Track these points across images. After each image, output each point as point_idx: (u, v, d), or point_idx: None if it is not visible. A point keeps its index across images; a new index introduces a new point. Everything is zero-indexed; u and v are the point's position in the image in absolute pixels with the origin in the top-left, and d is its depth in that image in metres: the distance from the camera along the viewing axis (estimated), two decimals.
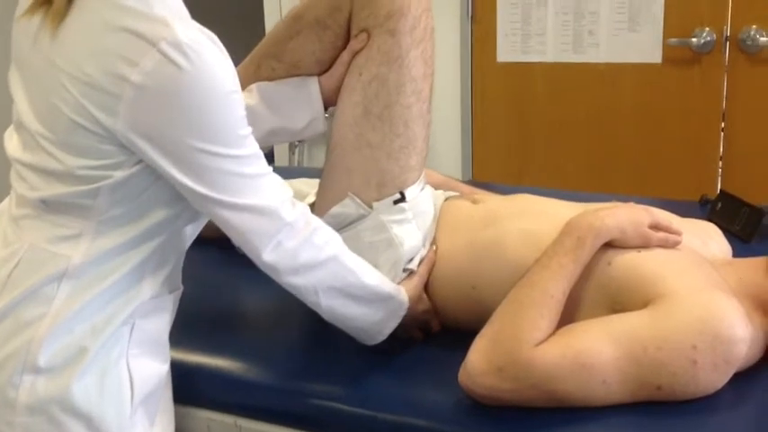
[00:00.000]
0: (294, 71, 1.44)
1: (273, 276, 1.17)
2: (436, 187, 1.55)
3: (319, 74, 1.44)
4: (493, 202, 1.47)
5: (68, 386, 1.06)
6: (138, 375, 1.12)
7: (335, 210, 1.37)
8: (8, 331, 1.07)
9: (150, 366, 1.15)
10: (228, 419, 1.32)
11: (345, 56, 1.40)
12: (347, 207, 1.37)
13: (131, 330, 1.12)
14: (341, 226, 1.34)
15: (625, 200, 1.40)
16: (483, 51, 2.89)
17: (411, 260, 1.38)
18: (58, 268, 1.07)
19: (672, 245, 1.26)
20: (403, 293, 1.30)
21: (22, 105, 1.11)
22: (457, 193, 1.58)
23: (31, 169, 1.10)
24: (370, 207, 1.37)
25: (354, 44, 1.38)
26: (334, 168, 1.41)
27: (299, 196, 1.45)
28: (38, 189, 1.09)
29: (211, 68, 1.01)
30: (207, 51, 1.01)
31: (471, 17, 2.89)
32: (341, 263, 1.20)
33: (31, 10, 1.08)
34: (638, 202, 1.34)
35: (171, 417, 1.23)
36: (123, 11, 1.01)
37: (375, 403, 1.24)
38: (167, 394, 1.22)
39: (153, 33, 0.99)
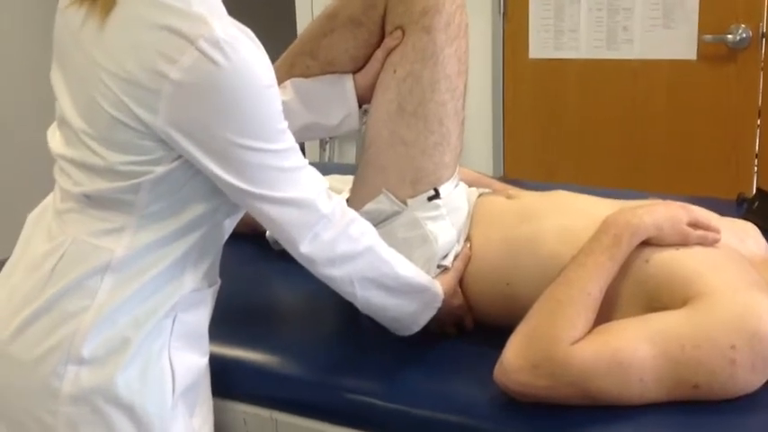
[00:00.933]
0: (328, 68, 1.44)
1: (310, 268, 1.18)
2: (469, 184, 1.55)
3: (354, 71, 1.44)
4: (528, 199, 1.47)
5: (112, 377, 1.08)
6: (180, 368, 1.13)
7: (370, 206, 1.38)
8: (53, 323, 1.09)
9: (191, 359, 1.16)
10: (264, 413, 1.33)
11: (380, 53, 1.41)
12: (381, 203, 1.38)
13: (173, 323, 1.13)
14: (375, 222, 1.34)
15: (661, 198, 1.39)
16: (515, 48, 2.88)
17: (446, 256, 1.38)
18: (102, 261, 1.09)
19: (710, 243, 1.25)
20: (437, 286, 1.30)
21: (64, 102, 1.13)
22: (490, 190, 1.57)
23: (74, 165, 1.12)
24: (405, 204, 1.37)
25: (389, 41, 1.39)
26: (368, 165, 1.42)
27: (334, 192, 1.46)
28: (81, 184, 1.11)
29: (248, 65, 1.03)
30: (244, 48, 1.02)
31: (503, 13, 2.88)
32: (376, 254, 1.21)
33: (78, 1, 1.09)
34: (673, 200, 1.33)
35: (210, 409, 1.24)
36: (163, 8, 1.02)
37: (409, 398, 1.24)
38: (206, 387, 1.24)
39: (191, 31, 1.00)
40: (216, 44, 1.00)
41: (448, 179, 1.40)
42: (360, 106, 1.45)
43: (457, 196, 1.42)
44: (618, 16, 2.68)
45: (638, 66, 2.67)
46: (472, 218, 1.44)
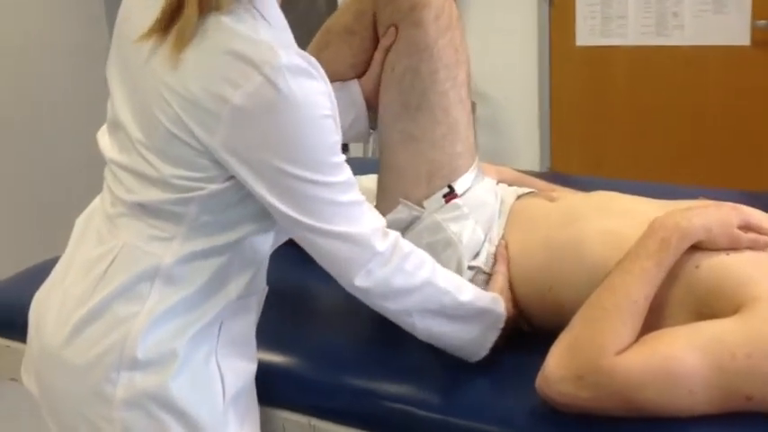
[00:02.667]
0: (330, 80, 1.44)
1: (363, 300, 1.17)
2: (510, 183, 1.52)
3: (357, 78, 1.46)
4: (571, 200, 1.43)
5: (165, 382, 1.09)
6: (228, 373, 1.14)
7: (389, 218, 1.38)
8: (105, 327, 1.10)
9: (239, 365, 1.17)
10: (303, 420, 1.32)
11: (378, 55, 1.43)
12: (400, 213, 1.39)
13: (219, 329, 1.14)
14: (399, 231, 1.32)
15: (713, 195, 1.34)
16: (561, 35, 2.85)
17: (477, 256, 1.36)
18: (151, 267, 1.10)
19: (762, 247, 1.20)
20: (500, 305, 1.27)
21: (121, 107, 1.13)
22: (532, 190, 1.54)
23: (126, 171, 1.13)
24: (422, 206, 1.37)
25: (384, 41, 1.41)
26: (385, 168, 1.43)
27: (372, 196, 1.46)
28: (134, 192, 1.12)
29: (309, 95, 1.03)
30: (307, 78, 1.03)
31: (549, 0, 2.83)
32: (434, 286, 1.19)
33: (148, 35, 1.08)
34: (726, 195, 1.28)
35: (257, 416, 1.23)
36: (230, 33, 1.03)
37: (448, 407, 1.22)
38: (253, 394, 1.23)
39: (258, 57, 1.01)
40: (280, 71, 1.00)
41: (465, 170, 1.39)
42: (368, 110, 1.47)
43: (480, 192, 1.41)
44: (667, 2, 2.62)
45: (690, 52, 2.60)
46: (511, 221, 1.41)
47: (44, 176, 3.29)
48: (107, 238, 1.14)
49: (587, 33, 2.80)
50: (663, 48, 2.65)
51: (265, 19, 1.07)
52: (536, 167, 2.91)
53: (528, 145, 2.95)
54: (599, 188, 1.49)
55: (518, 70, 2.97)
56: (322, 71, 1.08)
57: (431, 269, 1.20)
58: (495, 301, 1.27)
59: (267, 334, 1.27)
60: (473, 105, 2.87)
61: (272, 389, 1.32)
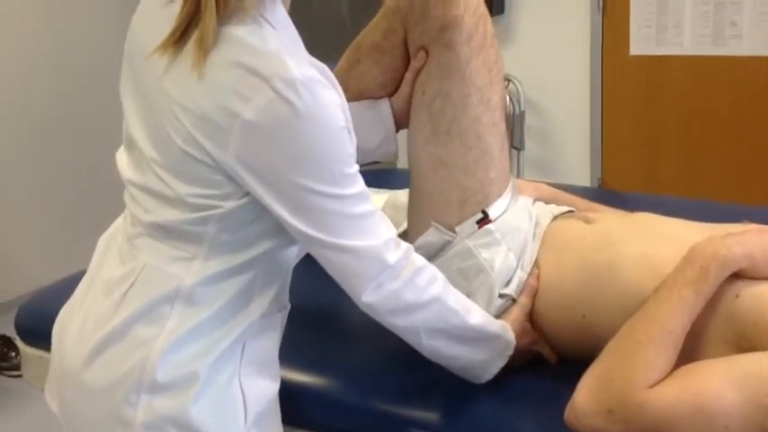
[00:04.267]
0: (360, 97, 1.44)
1: (373, 316, 1.15)
2: (547, 202, 1.48)
3: (387, 97, 1.44)
4: (608, 222, 1.37)
5: (185, 405, 1.07)
6: (251, 394, 1.12)
7: (420, 240, 1.35)
8: (124, 349, 1.09)
9: (262, 385, 1.15)
10: None
11: (409, 76, 1.39)
12: (431, 236, 1.35)
13: (243, 349, 1.13)
14: (429, 255, 1.31)
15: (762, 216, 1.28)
16: (615, 44, 2.79)
17: (508, 283, 1.32)
18: (172, 288, 1.09)
19: None
20: (510, 332, 1.24)
21: (134, 126, 1.12)
22: (569, 209, 1.49)
23: (143, 191, 1.12)
24: (454, 231, 1.34)
25: (415, 63, 1.38)
26: (415, 192, 1.40)
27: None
28: (151, 212, 1.11)
29: (322, 107, 1.01)
30: (318, 89, 1.01)
31: (602, 8, 2.80)
32: (444, 304, 1.16)
33: (163, 48, 1.06)
34: None
35: None
36: (240, 45, 1.01)
37: None
38: (277, 415, 1.21)
39: (267, 70, 0.99)
40: (291, 84, 0.98)
41: (498, 196, 1.35)
42: (396, 131, 1.44)
43: (514, 216, 1.36)
44: (725, 9, 2.54)
45: (748, 63, 2.52)
46: (545, 243, 1.37)
47: (85, 183, 3.34)
48: (128, 259, 1.14)
49: (642, 42, 2.74)
50: (720, 58, 2.58)
51: (273, 27, 1.04)
52: (587, 180, 2.85)
53: (579, 157, 2.89)
54: (646, 206, 1.44)
55: (569, 80, 2.92)
56: (334, 80, 1.05)
57: (442, 287, 1.17)
58: (505, 329, 1.24)
59: (290, 352, 1.25)
60: (522, 114, 2.87)
61: (294, 409, 1.30)
